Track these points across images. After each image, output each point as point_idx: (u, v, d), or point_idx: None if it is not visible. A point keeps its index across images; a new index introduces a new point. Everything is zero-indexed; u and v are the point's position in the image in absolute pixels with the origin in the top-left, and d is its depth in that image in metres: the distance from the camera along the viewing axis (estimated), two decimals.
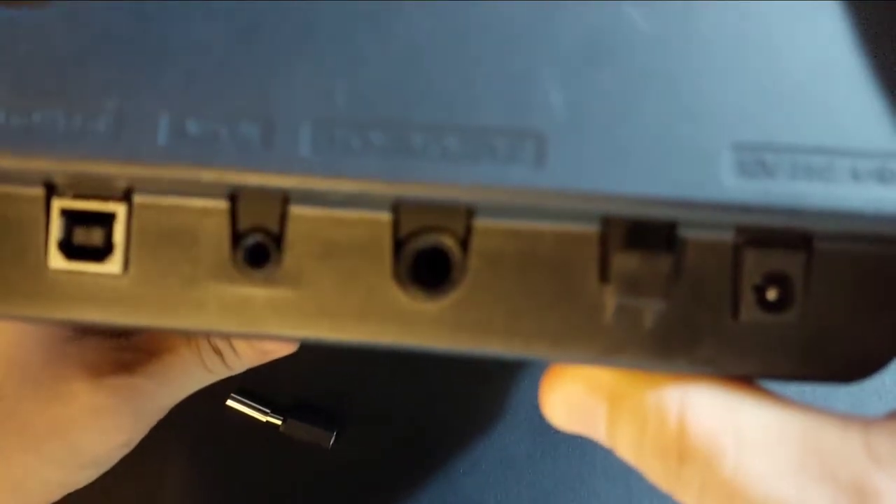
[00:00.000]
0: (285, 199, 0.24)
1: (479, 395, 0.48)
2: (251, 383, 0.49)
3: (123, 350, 0.36)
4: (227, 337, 0.27)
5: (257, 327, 0.24)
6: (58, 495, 0.37)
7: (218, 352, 0.36)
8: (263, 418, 0.49)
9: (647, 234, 0.22)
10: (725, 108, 0.20)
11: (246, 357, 0.37)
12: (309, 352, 0.46)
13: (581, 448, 0.47)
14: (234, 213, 0.24)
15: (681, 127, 0.20)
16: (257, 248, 0.24)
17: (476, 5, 0.21)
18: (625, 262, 0.22)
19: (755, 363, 0.23)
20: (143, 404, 0.36)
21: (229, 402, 0.49)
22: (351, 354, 0.48)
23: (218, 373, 0.37)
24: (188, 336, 0.35)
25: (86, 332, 0.36)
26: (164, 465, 0.49)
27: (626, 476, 0.47)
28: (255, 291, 0.24)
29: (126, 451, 0.37)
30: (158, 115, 0.21)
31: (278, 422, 0.49)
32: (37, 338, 0.35)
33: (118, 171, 0.21)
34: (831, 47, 0.20)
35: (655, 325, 0.23)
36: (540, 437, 0.47)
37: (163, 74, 0.21)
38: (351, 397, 0.49)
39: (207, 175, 0.21)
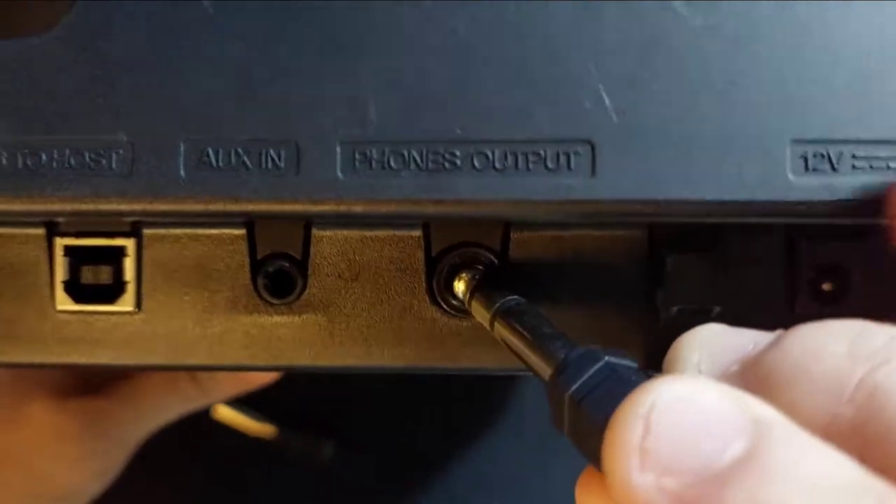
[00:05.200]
0: (307, 222, 0.22)
1: (486, 407, 0.46)
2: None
3: (93, 372, 0.34)
4: (253, 371, 0.25)
5: (285, 360, 0.23)
6: None
7: (194, 378, 0.33)
8: (255, 428, 0.47)
9: (696, 235, 0.21)
10: (785, 103, 0.19)
11: (226, 384, 0.34)
12: None
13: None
14: (251, 240, 0.23)
15: (740, 124, 0.19)
16: (280, 274, 0.23)
17: (516, 6, 0.19)
18: (676, 264, 0.21)
19: None
20: (111, 430, 0.33)
21: (219, 410, 0.47)
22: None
23: (195, 401, 0.35)
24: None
25: None
26: (151, 479, 0.47)
27: None
28: (280, 320, 0.23)
29: (105, 480, 0.35)
30: (176, 144, 0.19)
31: (271, 431, 0.47)
32: None
33: (135, 209, 0.19)
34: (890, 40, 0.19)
35: None
36: (547, 450, 0.46)
37: (178, 98, 0.19)
38: (349, 408, 0.47)
39: (234, 207, 0.19)
